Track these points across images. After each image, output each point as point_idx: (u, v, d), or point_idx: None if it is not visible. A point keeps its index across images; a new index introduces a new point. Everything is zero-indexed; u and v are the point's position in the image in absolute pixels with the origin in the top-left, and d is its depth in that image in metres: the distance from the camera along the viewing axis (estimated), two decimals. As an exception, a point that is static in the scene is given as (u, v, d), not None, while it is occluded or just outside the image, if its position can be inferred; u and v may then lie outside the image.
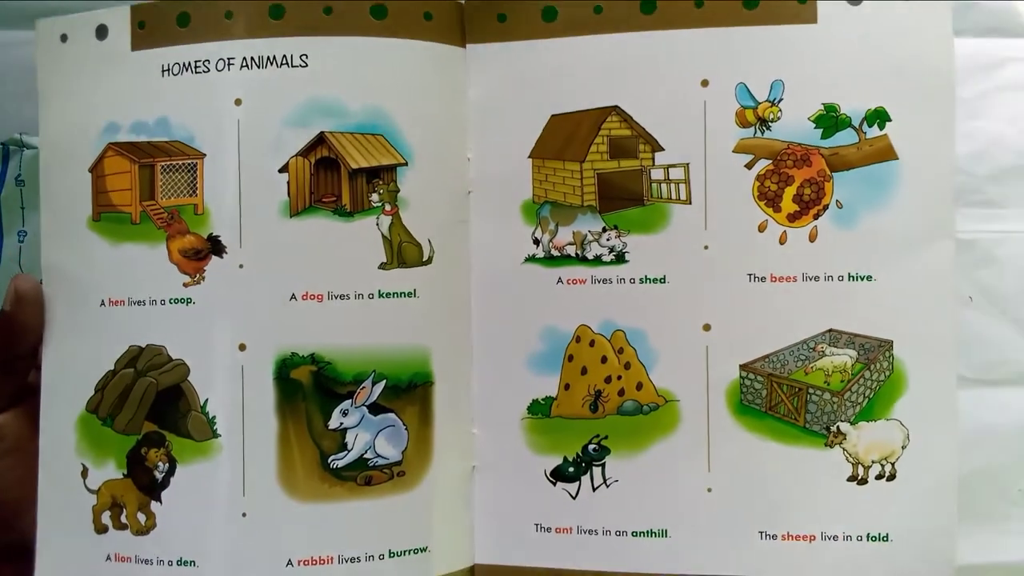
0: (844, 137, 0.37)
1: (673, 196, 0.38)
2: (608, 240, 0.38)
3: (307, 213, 0.37)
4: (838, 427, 0.37)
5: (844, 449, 0.37)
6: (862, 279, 0.37)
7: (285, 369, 0.37)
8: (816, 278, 0.37)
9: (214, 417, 0.37)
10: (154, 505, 0.37)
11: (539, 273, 0.39)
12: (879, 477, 0.37)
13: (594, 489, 0.39)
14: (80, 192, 0.38)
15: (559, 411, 0.39)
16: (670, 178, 0.38)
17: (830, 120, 0.37)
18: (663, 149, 0.38)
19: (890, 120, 0.37)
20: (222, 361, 0.37)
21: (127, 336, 0.37)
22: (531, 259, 0.39)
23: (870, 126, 0.37)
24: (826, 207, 0.37)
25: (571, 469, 0.39)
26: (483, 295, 0.39)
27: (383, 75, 0.38)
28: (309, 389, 0.37)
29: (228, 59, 0.37)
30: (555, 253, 0.39)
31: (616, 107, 0.38)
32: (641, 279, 0.38)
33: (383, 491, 0.38)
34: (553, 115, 0.39)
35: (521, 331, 0.39)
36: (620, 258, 0.38)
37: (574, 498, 0.39)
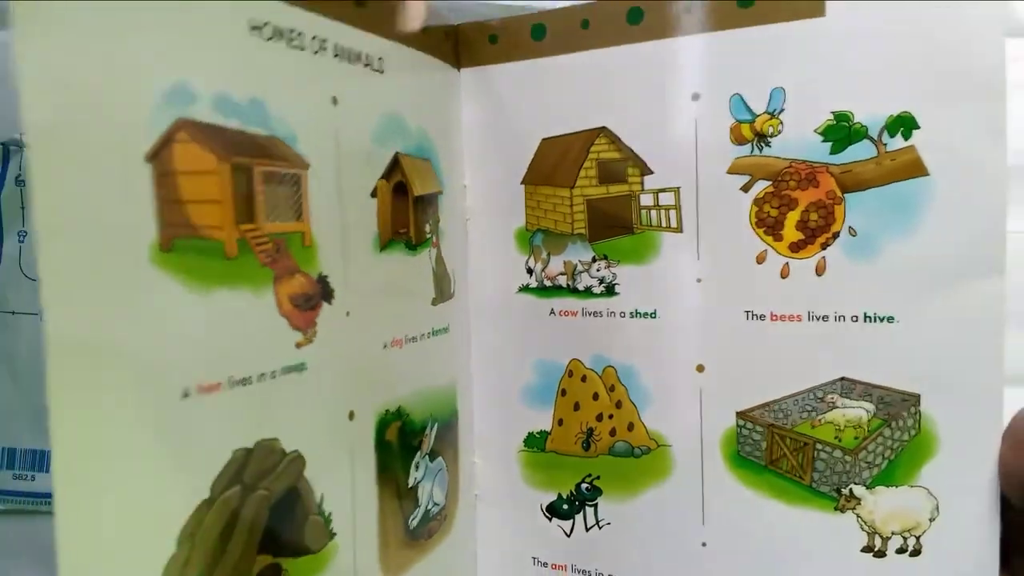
0: (859, 151, 0.31)
1: (663, 224, 0.35)
2: (598, 271, 0.36)
3: (391, 247, 0.32)
4: (851, 490, 0.32)
5: (859, 515, 0.32)
6: (882, 320, 0.31)
7: (382, 431, 0.31)
8: (824, 318, 0.32)
9: (330, 514, 0.27)
10: None
11: (533, 304, 0.38)
12: (900, 551, 0.31)
13: (587, 529, 0.37)
14: (129, 201, 0.20)
15: (553, 446, 0.38)
16: (660, 204, 0.35)
17: (842, 131, 0.31)
18: (652, 172, 0.35)
19: (918, 128, 0.30)
20: (332, 440, 0.28)
21: (229, 436, 0.23)
22: (525, 289, 0.38)
23: (892, 136, 0.30)
24: (836, 235, 0.32)
25: (565, 506, 0.38)
26: (480, 326, 0.39)
27: (428, 96, 0.35)
28: (396, 448, 0.32)
29: (322, 41, 0.27)
30: (547, 283, 0.37)
31: (603, 128, 0.35)
32: (631, 313, 0.35)
33: (437, 540, 0.35)
34: (544, 139, 0.37)
35: (515, 363, 0.38)
36: (610, 290, 0.36)
37: (568, 536, 0.38)
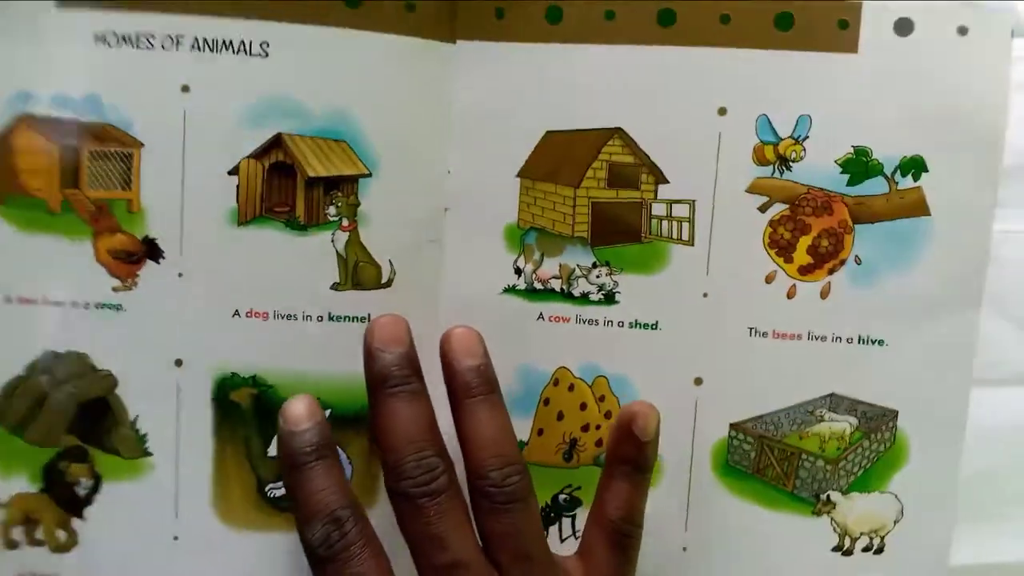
0: (873, 186, 0.33)
1: (674, 235, 0.34)
2: (598, 277, 0.35)
3: (257, 222, 0.34)
4: (828, 496, 0.35)
5: (832, 519, 0.35)
6: (873, 343, 0.34)
7: (224, 390, 0.34)
8: (823, 338, 0.34)
9: (145, 435, 0.34)
10: (76, 522, 0.34)
11: (519, 306, 0.35)
12: (866, 549, 0.35)
13: (562, 540, 0.36)
14: None
15: (530, 457, 0.36)
16: (673, 215, 0.34)
17: (860, 165, 0.33)
18: (668, 182, 0.34)
19: (927, 171, 0.33)
20: (155, 376, 0.34)
21: (41, 340, 0.33)
22: (510, 290, 0.35)
23: (903, 176, 0.33)
24: (843, 262, 0.34)
25: (539, 517, 0.36)
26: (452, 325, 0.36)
27: (352, 74, 0.33)
28: (249, 413, 0.34)
29: (177, 37, 0.32)
30: (538, 286, 0.35)
31: (619, 129, 0.34)
32: (631, 323, 0.35)
33: None
34: (548, 131, 0.34)
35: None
36: (610, 298, 0.35)
37: (540, 547, 0.36)
